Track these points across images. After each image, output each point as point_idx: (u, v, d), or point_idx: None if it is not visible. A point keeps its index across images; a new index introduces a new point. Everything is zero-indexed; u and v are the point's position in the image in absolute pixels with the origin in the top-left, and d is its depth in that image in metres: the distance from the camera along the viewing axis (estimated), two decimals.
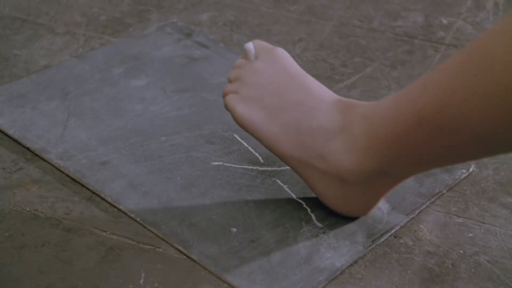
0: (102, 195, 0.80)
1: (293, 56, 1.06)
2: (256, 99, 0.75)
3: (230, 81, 0.79)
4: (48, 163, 0.84)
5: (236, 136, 0.88)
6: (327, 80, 1.00)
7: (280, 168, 0.83)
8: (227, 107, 0.77)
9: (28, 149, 0.86)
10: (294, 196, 0.80)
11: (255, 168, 0.84)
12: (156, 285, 0.71)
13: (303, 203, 0.79)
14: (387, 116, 0.68)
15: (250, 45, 0.79)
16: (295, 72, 0.76)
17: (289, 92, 0.75)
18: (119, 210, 0.78)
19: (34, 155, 0.85)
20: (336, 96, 0.75)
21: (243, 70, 0.78)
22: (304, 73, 0.77)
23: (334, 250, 0.74)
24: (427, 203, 0.80)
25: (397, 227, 0.77)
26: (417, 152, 0.66)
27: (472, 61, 0.59)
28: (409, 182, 0.81)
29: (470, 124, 0.60)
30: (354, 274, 0.73)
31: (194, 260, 0.73)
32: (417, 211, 0.79)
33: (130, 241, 0.75)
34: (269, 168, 0.84)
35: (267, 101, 0.75)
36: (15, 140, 0.87)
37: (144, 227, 0.77)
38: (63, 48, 1.04)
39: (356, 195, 0.74)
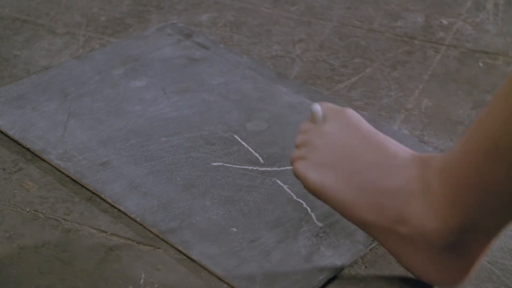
0: (102, 196, 0.80)
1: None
2: (327, 164, 0.70)
3: (297, 147, 0.74)
4: (48, 163, 0.84)
5: (236, 136, 0.88)
6: (327, 80, 1.00)
7: (280, 168, 0.83)
8: (297, 175, 0.72)
9: (28, 149, 0.86)
10: (294, 196, 0.80)
11: (255, 168, 0.84)
12: (156, 285, 0.71)
13: (303, 203, 0.79)
14: (458, 161, 0.63)
15: (317, 107, 0.74)
16: (366, 131, 0.71)
17: (362, 153, 0.70)
18: (119, 210, 0.78)
19: (34, 156, 0.85)
20: (411, 152, 0.70)
21: (311, 135, 0.73)
22: (375, 131, 0.72)
23: (335, 249, 0.74)
24: None
25: None
26: (498, 191, 0.61)
27: None
28: None
29: None
30: (354, 274, 0.73)
31: (194, 260, 0.73)
32: None
33: (130, 242, 0.75)
34: (269, 169, 0.84)
35: (340, 164, 0.70)
36: (15, 141, 0.87)
37: (144, 227, 0.77)
38: (63, 49, 1.04)
39: (448, 262, 0.68)
